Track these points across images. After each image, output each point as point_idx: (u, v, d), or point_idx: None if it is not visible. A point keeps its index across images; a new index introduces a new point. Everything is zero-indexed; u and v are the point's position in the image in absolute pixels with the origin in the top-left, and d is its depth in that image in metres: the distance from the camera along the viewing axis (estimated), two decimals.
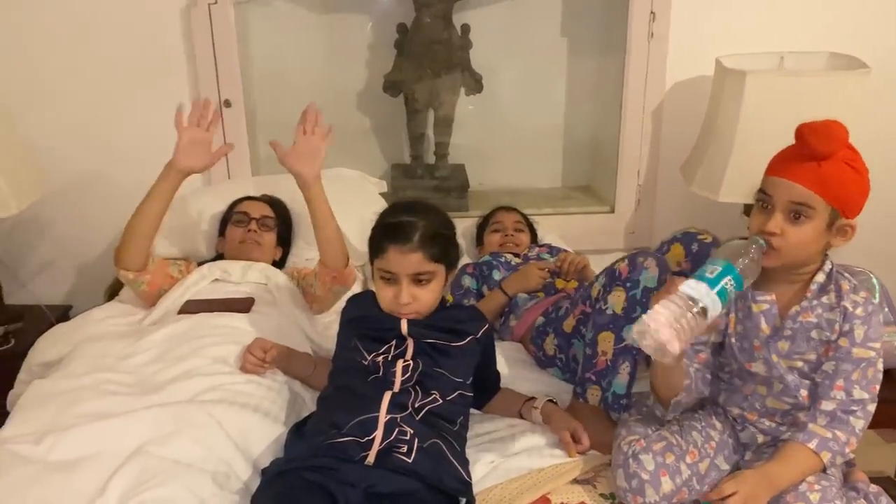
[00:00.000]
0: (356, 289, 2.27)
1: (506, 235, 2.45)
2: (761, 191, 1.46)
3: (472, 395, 1.63)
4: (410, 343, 1.57)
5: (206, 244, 2.35)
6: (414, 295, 1.54)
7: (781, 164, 1.45)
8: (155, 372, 1.70)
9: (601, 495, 1.53)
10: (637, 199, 2.84)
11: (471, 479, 1.51)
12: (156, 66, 2.54)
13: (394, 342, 1.57)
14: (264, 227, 2.23)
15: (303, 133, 1.93)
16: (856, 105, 2.23)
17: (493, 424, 1.72)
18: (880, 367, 1.49)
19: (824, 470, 1.46)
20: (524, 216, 2.57)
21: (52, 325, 2.15)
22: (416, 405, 1.51)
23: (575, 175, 3.20)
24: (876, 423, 1.53)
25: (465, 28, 2.77)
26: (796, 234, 1.42)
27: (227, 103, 2.58)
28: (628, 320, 1.69)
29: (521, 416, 1.73)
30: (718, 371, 1.62)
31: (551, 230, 2.66)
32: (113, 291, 2.29)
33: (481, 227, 2.56)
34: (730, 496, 1.37)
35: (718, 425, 1.59)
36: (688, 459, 1.51)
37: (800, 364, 1.51)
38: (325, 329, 2.06)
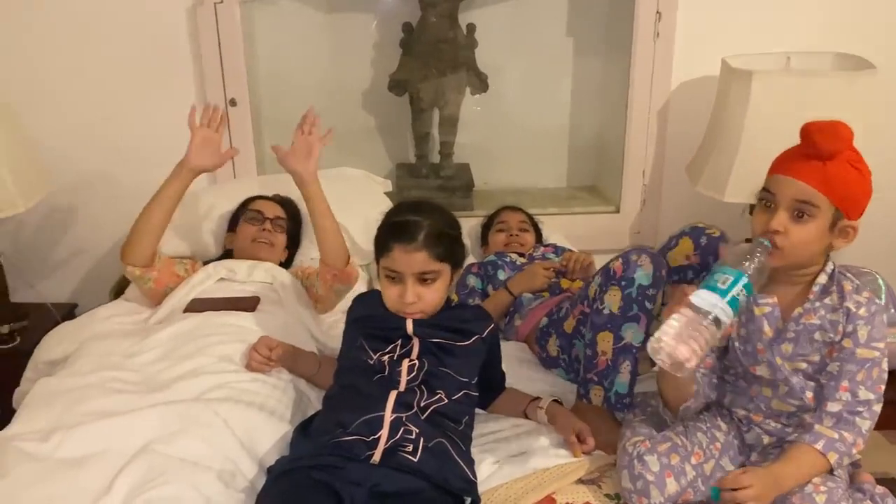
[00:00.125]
0: (361, 288, 2.28)
1: (510, 235, 2.45)
2: (765, 189, 1.46)
3: (477, 394, 1.64)
4: (416, 343, 1.58)
5: (212, 243, 2.35)
6: (419, 294, 1.55)
7: (786, 163, 1.45)
8: (161, 370, 1.70)
9: (606, 495, 1.53)
10: (642, 199, 2.83)
11: (476, 478, 1.51)
12: (162, 65, 2.55)
13: (399, 342, 1.58)
14: (277, 227, 2.24)
15: (301, 133, 1.98)
16: (863, 105, 2.22)
17: (497, 424, 1.72)
18: (885, 367, 1.48)
19: (831, 471, 1.46)
20: (529, 216, 2.57)
21: (57, 324, 2.15)
22: (422, 404, 1.51)
23: (580, 175, 3.19)
24: (881, 424, 1.53)
25: (471, 27, 2.77)
26: (799, 232, 1.41)
27: (233, 102, 2.59)
28: (625, 319, 1.69)
29: (526, 416, 1.73)
30: (723, 373, 1.62)
31: (556, 230, 2.66)
32: (118, 290, 2.30)
33: (486, 227, 2.56)
34: (743, 488, 1.36)
35: (724, 426, 1.59)
36: (693, 460, 1.51)
37: (804, 366, 1.51)
38: (330, 328, 2.07)
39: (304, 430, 1.55)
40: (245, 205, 2.28)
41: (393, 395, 1.50)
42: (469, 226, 2.57)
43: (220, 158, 2.03)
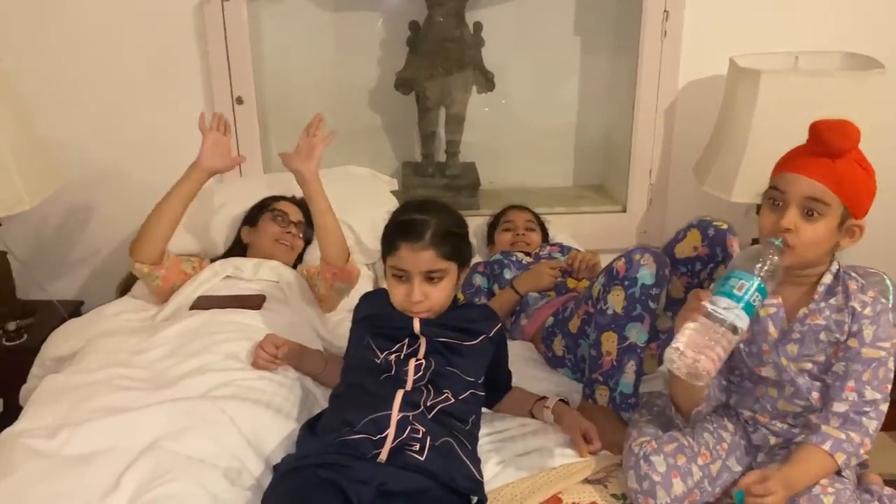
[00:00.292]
0: (367, 287, 2.28)
1: (517, 234, 2.45)
2: (773, 188, 1.45)
3: (483, 394, 1.63)
4: (423, 342, 1.57)
5: (219, 240, 2.35)
6: (426, 293, 1.54)
7: (795, 161, 1.44)
8: (167, 367, 1.70)
9: (612, 495, 1.53)
10: (649, 199, 2.83)
11: (482, 477, 1.51)
12: (169, 63, 2.55)
13: (406, 341, 1.57)
14: (299, 232, 2.26)
15: (306, 136, 2.03)
16: (871, 105, 2.22)
17: (504, 423, 1.72)
18: (891, 366, 1.47)
19: (839, 472, 1.46)
20: (535, 215, 2.57)
21: (64, 321, 2.16)
22: (429, 404, 1.51)
23: (587, 174, 3.19)
24: (889, 425, 1.52)
25: (478, 26, 2.76)
26: (810, 231, 1.41)
27: (240, 100, 2.59)
28: (629, 319, 1.69)
29: (533, 416, 1.73)
30: (729, 374, 1.61)
31: (563, 229, 2.65)
32: (125, 287, 2.30)
33: (492, 226, 2.56)
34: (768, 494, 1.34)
35: (730, 427, 1.58)
36: (699, 461, 1.51)
37: (809, 366, 1.50)
38: (336, 327, 2.07)
39: (311, 428, 1.55)
40: (268, 202, 2.28)
41: (400, 395, 1.50)
42: (475, 225, 2.56)
43: (231, 161, 2.08)
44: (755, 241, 2.39)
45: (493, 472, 1.56)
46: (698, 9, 2.57)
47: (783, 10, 2.59)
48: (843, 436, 1.44)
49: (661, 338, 1.87)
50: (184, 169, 2.66)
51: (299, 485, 1.39)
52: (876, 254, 2.19)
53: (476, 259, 2.41)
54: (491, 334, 1.63)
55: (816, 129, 1.41)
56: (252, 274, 2.09)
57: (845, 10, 2.59)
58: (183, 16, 2.51)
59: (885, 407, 1.47)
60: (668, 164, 2.78)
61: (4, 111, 2.19)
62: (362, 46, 2.93)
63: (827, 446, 1.43)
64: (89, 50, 2.52)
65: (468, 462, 1.48)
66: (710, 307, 1.28)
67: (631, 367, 1.71)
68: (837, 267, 1.51)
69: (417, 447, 1.44)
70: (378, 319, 1.62)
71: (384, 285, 1.64)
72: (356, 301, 1.73)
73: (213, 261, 2.17)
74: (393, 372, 1.54)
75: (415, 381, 1.53)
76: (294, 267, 2.23)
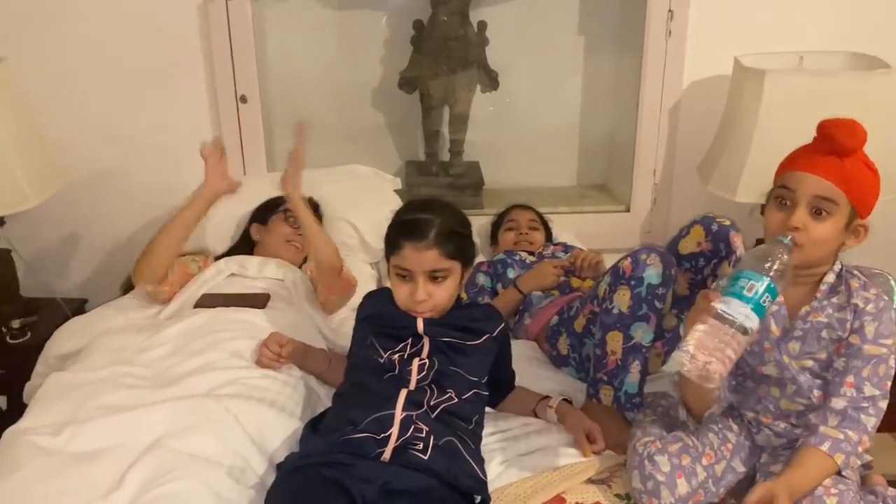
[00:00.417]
0: (370, 286, 2.28)
1: (520, 234, 2.45)
2: (782, 186, 1.44)
3: (487, 393, 1.63)
4: (426, 341, 1.57)
5: (224, 238, 2.35)
6: (430, 292, 1.54)
7: (804, 159, 1.43)
8: (171, 365, 1.71)
9: (616, 495, 1.52)
10: (653, 199, 2.83)
11: (486, 477, 1.51)
12: (173, 61, 2.55)
13: (410, 340, 1.57)
14: None
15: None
16: (876, 105, 2.21)
17: (507, 423, 1.72)
18: (892, 363, 1.47)
19: (840, 471, 1.45)
20: (539, 214, 2.56)
21: (67, 319, 2.16)
22: (432, 403, 1.51)
23: (590, 174, 3.19)
24: (893, 426, 1.52)
25: (482, 25, 2.76)
26: (818, 229, 1.40)
27: (244, 99, 2.59)
28: (634, 318, 1.69)
29: (536, 415, 1.72)
30: (731, 374, 1.61)
31: (566, 229, 2.65)
32: (128, 286, 2.30)
33: (496, 226, 2.56)
34: None
35: (735, 427, 1.58)
36: (704, 461, 1.50)
37: (810, 364, 1.50)
38: (340, 325, 2.07)
39: (314, 427, 1.55)
40: (280, 202, 2.28)
41: (403, 394, 1.50)
42: (479, 224, 2.56)
43: (232, 184, 2.12)
44: (759, 241, 2.39)
45: (497, 472, 1.56)
46: (703, 8, 2.57)
47: (788, 10, 2.58)
48: (840, 435, 1.43)
49: (666, 336, 1.87)
50: (186, 168, 2.68)
51: (303, 483, 1.39)
52: (880, 255, 2.18)
53: (479, 258, 2.41)
54: (494, 334, 1.63)
55: (826, 128, 1.40)
56: (257, 272, 2.09)
57: (850, 9, 2.59)
58: (187, 14, 2.51)
59: (883, 404, 1.46)
60: (672, 164, 2.77)
61: (9, 110, 2.19)
62: (366, 45, 2.93)
63: (825, 447, 1.43)
64: (93, 48, 2.52)
65: (471, 461, 1.48)
66: (719, 308, 1.27)
67: (636, 366, 1.71)
68: (840, 266, 1.50)
69: (421, 446, 1.44)
70: (381, 319, 1.62)
71: (388, 284, 1.64)
72: (360, 300, 1.73)
73: (217, 258, 2.17)
74: (396, 371, 1.54)
75: (418, 381, 1.53)
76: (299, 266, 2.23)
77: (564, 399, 1.72)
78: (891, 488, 1.52)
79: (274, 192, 2.39)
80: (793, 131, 1.51)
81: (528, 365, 1.95)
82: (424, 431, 1.46)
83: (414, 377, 1.53)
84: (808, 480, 1.41)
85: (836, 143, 1.39)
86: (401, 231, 1.55)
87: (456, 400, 1.53)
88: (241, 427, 1.54)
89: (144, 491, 1.37)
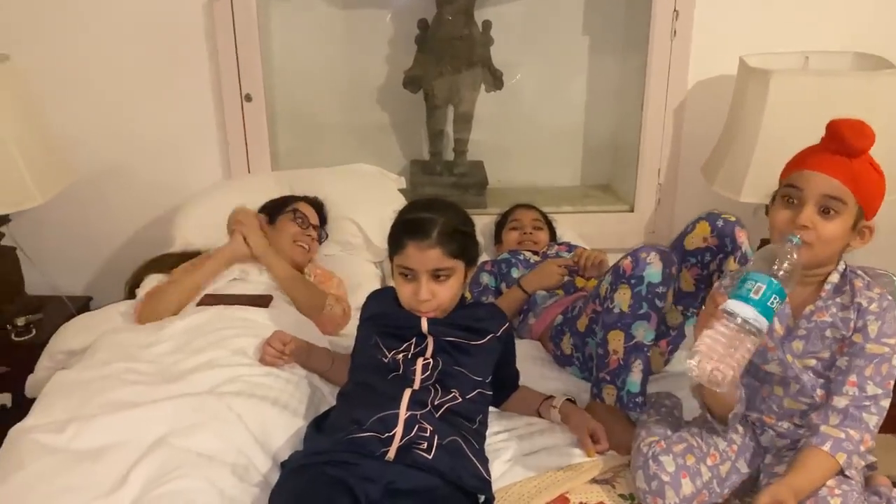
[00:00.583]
0: (374, 285, 2.28)
1: (524, 233, 2.45)
2: (789, 185, 1.44)
3: (491, 393, 1.63)
4: (430, 341, 1.57)
5: (226, 236, 2.35)
6: (433, 291, 1.54)
7: (813, 159, 1.43)
8: (175, 362, 1.71)
9: (620, 496, 1.52)
10: (657, 199, 2.82)
11: (490, 476, 1.51)
12: (178, 60, 2.56)
13: (414, 340, 1.57)
14: (316, 235, 2.27)
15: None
16: (882, 105, 2.20)
17: (511, 423, 1.72)
18: (895, 363, 1.47)
19: (843, 471, 1.45)
20: (543, 214, 2.56)
21: (72, 316, 2.17)
22: (436, 403, 1.51)
23: (595, 173, 3.18)
24: None
25: (487, 24, 2.76)
26: (827, 228, 1.40)
27: (248, 97, 2.59)
28: (635, 317, 1.69)
29: (540, 415, 1.72)
30: None
31: (570, 229, 2.65)
32: (133, 284, 2.30)
33: (499, 225, 2.56)
34: None
35: (740, 429, 1.57)
36: (708, 462, 1.50)
37: (813, 363, 1.50)
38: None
39: (318, 426, 1.55)
40: (289, 201, 2.29)
41: (407, 394, 1.50)
42: (482, 223, 2.56)
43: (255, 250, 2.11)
44: (764, 242, 2.39)
45: (501, 471, 1.56)
46: (708, 8, 2.56)
47: (793, 10, 2.57)
48: (842, 434, 1.43)
49: (670, 334, 1.87)
50: (191, 166, 2.70)
51: (307, 482, 1.39)
52: (884, 255, 2.18)
53: (483, 258, 2.41)
54: (498, 333, 1.63)
55: (836, 128, 1.40)
56: (258, 276, 2.09)
57: (856, 10, 2.58)
58: (192, 13, 2.51)
59: (886, 403, 1.45)
60: (677, 164, 2.77)
61: (15, 108, 2.20)
62: (371, 44, 2.93)
63: (827, 447, 1.42)
64: (99, 47, 2.52)
65: (475, 461, 1.48)
66: (728, 312, 1.27)
67: (637, 365, 1.70)
68: (844, 266, 1.50)
69: (425, 446, 1.44)
70: (385, 318, 1.62)
71: (392, 284, 1.64)
72: (362, 300, 1.73)
73: None
74: (400, 371, 1.54)
75: (422, 381, 1.53)
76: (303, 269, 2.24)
77: (568, 399, 1.72)
78: (895, 489, 1.51)
79: (278, 192, 2.40)
80: (798, 131, 1.51)
81: (533, 364, 1.95)
82: (429, 431, 1.46)
83: (418, 377, 1.53)
84: (811, 482, 1.41)
85: (845, 143, 1.38)
86: (404, 230, 1.55)
87: (460, 400, 1.53)
88: (245, 426, 1.54)
89: (148, 489, 1.37)
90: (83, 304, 2.60)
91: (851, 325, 1.46)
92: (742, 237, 1.71)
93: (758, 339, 1.27)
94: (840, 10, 2.58)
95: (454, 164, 2.95)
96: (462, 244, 1.56)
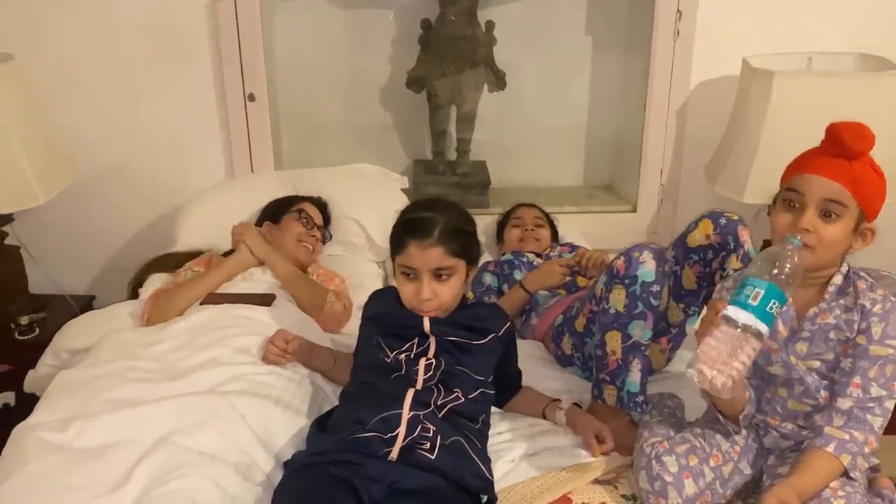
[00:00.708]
0: (377, 285, 2.29)
1: (525, 230, 2.44)
2: (790, 189, 1.44)
3: (493, 392, 1.63)
4: (433, 341, 1.58)
5: (229, 236, 2.36)
6: (435, 290, 1.54)
7: (813, 162, 1.43)
8: (179, 359, 1.72)
9: (623, 496, 1.52)
10: (660, 199, 2.82)
11: (493, 476, 1.51)
12: (181, 59, 2.56)
13: (416, 340, 1.58)
14: (320, 235, 2.27)
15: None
16: (885, 106, 2.20)
17: (515, 423, 1.72)
18: None
19: (847, 473, 1.45)
20: (544, 213, 2.56)
21: (75, 315, 2.17)
22: (439, 403, 1.51)
23: (597, 174, 3.18)
24: None
25: (490, 24, 2.76)
26: (829, 231, 1.40)
27: (252, 97, 2.60)
28: (631, 317, 1.69)
29: (545, 417, 1.73)
30: None
31: (572, 229, 2.65)
32: (136, 284, 2.31)
33: (501, 224, 2.56)
34: None
35: (743, 430, 1.57)
36: (711, 462, 1.50)
37: (817, 364, 1.49)
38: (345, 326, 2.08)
39: (321, 425, 1.56)
40: (293, 201, 2.29)
41: (410, 394, 1.50)
42: (485, 223, 2.57)
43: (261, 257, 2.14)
44: (767, 243, 2.39)
45: (504, 472, 1.56)
46: (712, 9, 2.56)
47: (797, 11, 2.57)
48: (846, 436, 1.43)
49: (671, 332, 1.87)
50: (194, 165, 2.70)
51: (311, 481, 1.39)
52: (887, 257, 2.18)
53: (486, 258, 2.41)
54: (500, 333, 1.63)
55: (835, 131, 1.40)
56: (261, 274, 2.10)
57: (859, 11, 2.58)
58: (195, 13, 2.51)
59: (890, 405, 1.45)
60: (680, 165, 2.77)
61: (18, 107, 2.20)
62: (374, 44, 2.93)
63: (831, 448, 1.42)
64: (102, 46, 2.53)
65: (478, 461, 1.49)
66: (728, 318, 1.27)
67: (636, 365, 1.70)
68: (847, 268, 1.50)
69: (428, 446, 1.44)
70: (387, 318, 1.62)
71: (394, 283, 1.64)
72: (365, 299, 1.74)
73: (224, 254, 2.18)
74: (403, 371, 1.55)
75: (425, 381, 1.53)
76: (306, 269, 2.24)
77: (574, 403, 1.72)
78: None
79: (281, 191, 2.41)
80: (801, 132, 1.50)
81: (535, 365, 1.95)
82: (431, 431, 1.46)
83: (421, 377, 1.54)
84: (814, 483, 1.41)
85: (844, 146, 1.38)
86: (405, 230, 1.55)
87: (463, 400, 1.54)
88: (248, 425, 1.54)
89: (152, 487, 1.38)
90: (86, 303, 2.60)
91: (855, 326, 1.46)
92: (745, 235, 1.71)
93: (758, 344, 1.27)
94: (843, 11, 2.58)
95: (457, 164, 2.95)
96: (463, 243, 1.56)
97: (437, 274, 1.54)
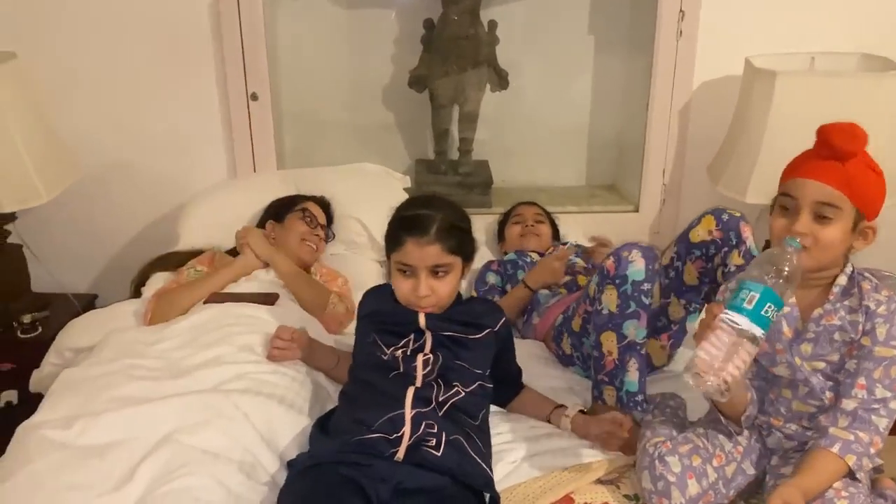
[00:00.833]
0: (376, 281, 2.28)
1: (526, 226, 2.44)
2: (784, 194, 1.44)
3: (491, 386, 1.63)
4: (429, 336, 1.58)
5: (231, 235, 2.36)
6: (432, 287, 1.55)
7: (805, 166, 1.43)
8: (182, 357, 1.72)
9: (625, 496, 1.53)
10: (662, 199, 2.82)
11: (493, 474, 1.51)
12: (184, 59, 2.56)
13: (412, 336, 1.58)
14: (323, 234, 2.28)
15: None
16: (888, 106, 2.20)
17: (515, 424, 1.72)
18: None
19: (852, 474, 1.45)
20: (545, 210, 2.56)
21: (78, 314, 2.17)
22: (440, 399, 1.51)
23: (599, 173, 3.18)
24: None
25: (492, 24, 2.76)
26: (825, 233, 1.40)
27: (254, 97, 2.60)
28: (624, 317, 1.69)
29: (550, 422, 1.72)
30: None
31: (575, 228, 2.65)
32: (139, 282, 2.31)
33: (502, 223, 2.56)
34: None
35: (745, 430, 1.57)
36: (714, 462, 1.50)
37: (822, 366, 1.49)
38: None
39: (323, 426, 1.56)
40: (297, 201, 2.29)
41: (411, 392, 1.51)
42: (487, 223, 2.57)
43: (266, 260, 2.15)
44: (768, 244, 2.39)
45: (506, 472, 1.56)
46: (714, 9, 2.56)
47: (800, 11, 2.57)
48: (851, 437, 1.43)
49: (672, 328, 1.87)
50: (197, 164, 2.70)
51: (319, 482, 1.39)
52: (891, 257, 2.18)
53: (488, 257, 2.41)
54: (496, 328, 1.64)
55: (824, 133, 1.40)
56: (265, 273, 2.10)
57: (862, 11, 2.57)
58: (198, 12, 2.51)
59: (895, 406, 1.46)
60: (682, 165, 2.77)
61: (21, 106, 2.21)
62: (377, 44, 2.93)
63: (836, 449, 1.42)
64: (105, 45, 2.53)
65: (477, 458, 1.49)
66: (725, 322, 1.28)
67: (633, 364, 1.71)
68: (851, 269, 1.50)
69: (434, 442, 1.44)
70: (383, 315, 1.62)
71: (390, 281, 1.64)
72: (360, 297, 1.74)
73: (228, 252, 2.18)
74: (401, 369, 1.55)
75: (424, 377, 1.54)
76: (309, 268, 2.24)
77: (580, 410, 1.71)
78: None
79: (283, 191, 2.41)
80: (804, 132, 1.50)
81: (538, 364, 1.95)
82: (436, 427, 1.46)
83: (420, 373, 1.54)
84: (819, 483, 1.41)
85: (834, 148, 1.38)
86: (402, 227, 1.55)
87: (462, 394, 1.54)
88: (251, 424, 1.54)
89: (155, 486, 1.38)
90: (89, 302, 2.61)
91: (860, 327, 1.46)
92: (747, 232, 1.71)
93: (753, 348, 1.28)
94: (846, 11, 2.57)
95: (459, 164, 2.95)
96: (460, 240, 1.56)
97: (435, 271, 1.54)
